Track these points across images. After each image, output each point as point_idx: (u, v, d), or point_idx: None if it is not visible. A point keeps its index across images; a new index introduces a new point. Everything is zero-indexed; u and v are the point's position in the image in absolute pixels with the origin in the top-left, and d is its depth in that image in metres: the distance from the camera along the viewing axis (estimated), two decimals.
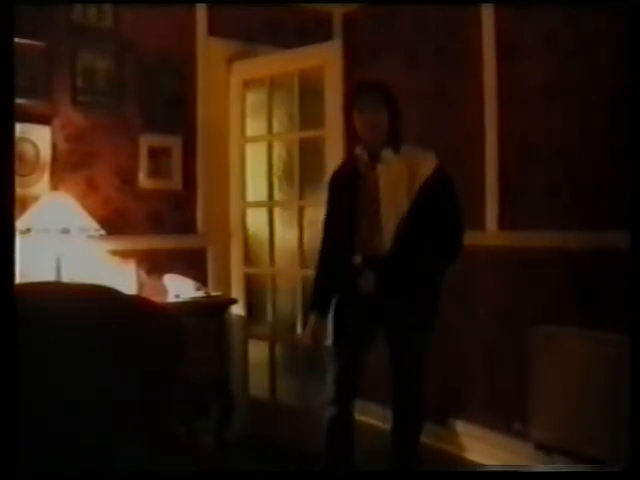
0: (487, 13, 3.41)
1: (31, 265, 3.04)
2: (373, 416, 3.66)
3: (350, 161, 2.76)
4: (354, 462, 2.76)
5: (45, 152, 3.27)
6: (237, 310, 3.87)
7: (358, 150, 2.68)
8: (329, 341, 2.78)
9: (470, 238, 3.48)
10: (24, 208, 3.09)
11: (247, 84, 4.02)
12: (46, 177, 3.28)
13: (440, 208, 2.56)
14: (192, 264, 3.74)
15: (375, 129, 2.59)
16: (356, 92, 2.69)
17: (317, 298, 2.79)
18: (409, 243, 2.53)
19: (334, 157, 3.51)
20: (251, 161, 4.03)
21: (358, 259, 2.58)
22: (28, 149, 3.23)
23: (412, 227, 2.53)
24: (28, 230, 2.99)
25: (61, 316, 1.90)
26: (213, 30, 3.84)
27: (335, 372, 2.70)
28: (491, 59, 3.40)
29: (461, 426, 3.58)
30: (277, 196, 4.00)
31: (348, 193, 2.67)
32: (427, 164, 2.57)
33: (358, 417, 2.95)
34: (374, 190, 2.59)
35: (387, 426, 2.79)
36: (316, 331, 2.77)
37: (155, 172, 3.66)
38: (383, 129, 2.60)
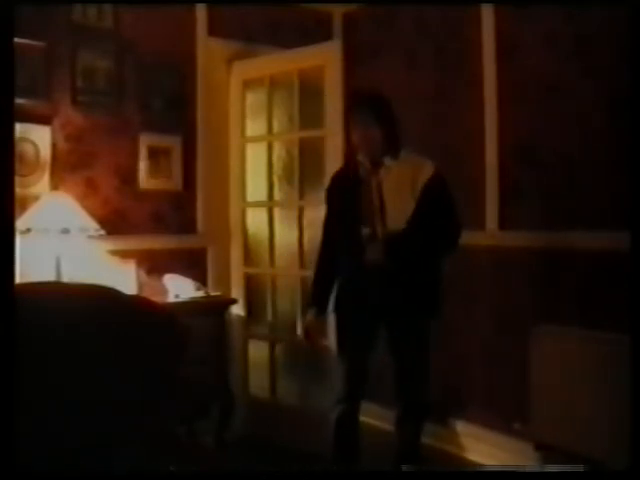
0: (487, 13, 3.41)
1: (31, 265, 3.04)
2: (373, 416, 3.67)
3: (350, 166, 2.83)
4: (360, 460, 2.78)
5: (45, 152, 3.27)
6: (237, 310, 3.87)
7: (360, 157, 2.74)
8: (331, 341, 2.80)
9: (470, 238, 3.49)
10: (24, 208, 3.09)
11: (247, 84, 4.02)
12: (46, 177, 3.28)
13: (440, 206, 2.66)
14: (192, 264, 3.74)
15: (368, 144, 2.68)
16: (351, 104, 2.78)
17: (316, 294, 2.84)
18: (414, 230, 2.62)
19: (334, 157, 3.52)
20: (251, 161, 4.03)
21: (367, 231, 2.63)
22: (28, 149, 3.23)
23: (416, 224, 2.62)
24: (28, 230, 2.99)
25: (61, 316, 1.89)
26: (213, 30, 3.85)
27: (343, 371, 2.74)
28: (491, 59, 3.40)
29: (461, 426, 3.58)
30: (277, 196, 4.00)
31: (351, 196, 2.73)
32: (426, 169, 2.68)
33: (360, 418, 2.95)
34: (378, 193, 2.66)
35: (387, 425, 2.79)
36: (313, 329, 2.80)
37: (155, 172, 3.66)
38: (377, 143, 2.67)
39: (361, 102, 2.74)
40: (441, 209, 2.66)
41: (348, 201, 2.74)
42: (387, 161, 2.69)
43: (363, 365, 2.75)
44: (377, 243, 2.60)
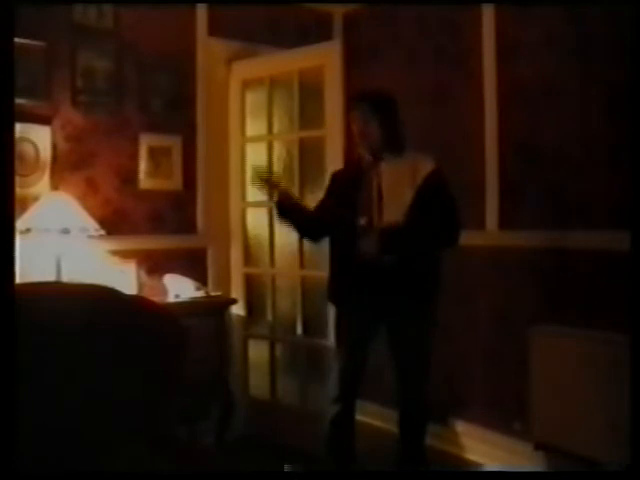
0: (487, 13, 3.41)
1: (31, 265, 3.04)
2: (373, 416, 3.67)
3: (354, 160, 2.90)
4: (355, 460, 2.78)
5: (45, 152, 3.27)
6: (237, 310, 3.87)
7: (361, 150, 2.79)
8: (331, 340, 2.80)
9: (470, 238, 3.50)
10: (24, 208, 3.08)
11: (247, 84, 4.02)
12: (46, 177, 3.28)
13: (439, 201, 2.67)
14: (192, 264, 3.74)
15: (366, 138, 2.72)
16: (350, 101, 2.85)
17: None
18: (410, 223, 2.62)
19: (334, 157, 3.53)
20: (251, 161, 4.02)
21: (363, 221, 2.64)
22: (28, 149, 3.23)
23: (413, 217, 2.62)
24: (28, 230, 2.99)
25: (61, 316, 1.89)
26: (213, 30, 3.84)
27: (339, 370, 2.75)
28: (491, 59, 3.40)
29: (461, 426, 3.58)
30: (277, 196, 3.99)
31: (351, 187, 2.76)
32: (427, 164, 2.71)
33: (358, 417, 2.95)
34: (377, 185, 2.69)
35: (387, 425, 2.79)
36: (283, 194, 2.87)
37: (155, 172, 3.66)
38: (374, 138, 2.71)
39: (361, 97, 2.78)
40: (439, 204, 2.67)
41: (348, 191, 2.77)
42: (387, 157, 2.71)
43: (360, 363, 2.75)
44: (371, 235, 2.60)
